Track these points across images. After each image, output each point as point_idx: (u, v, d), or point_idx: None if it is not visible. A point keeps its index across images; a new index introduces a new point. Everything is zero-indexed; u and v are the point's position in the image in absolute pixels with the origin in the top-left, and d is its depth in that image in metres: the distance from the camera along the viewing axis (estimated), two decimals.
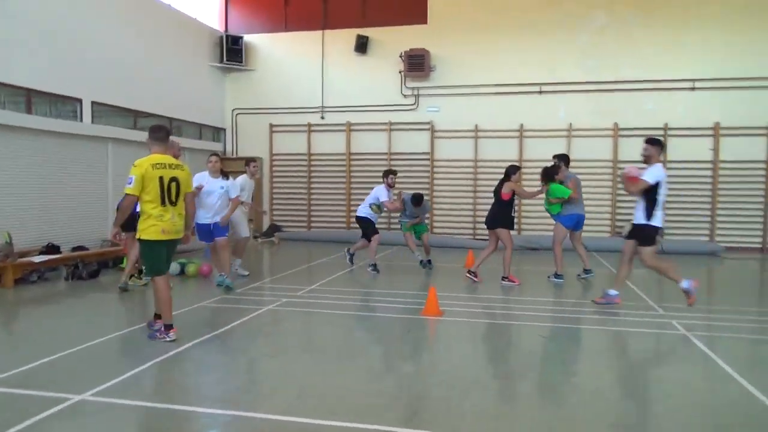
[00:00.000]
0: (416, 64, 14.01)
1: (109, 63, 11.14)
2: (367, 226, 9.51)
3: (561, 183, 8.52)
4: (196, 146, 14.09)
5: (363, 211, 9.57)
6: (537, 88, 13.77)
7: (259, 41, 15.45)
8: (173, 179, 5.17)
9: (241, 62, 15.19)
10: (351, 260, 9.97)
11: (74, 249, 9.81)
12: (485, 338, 5.81)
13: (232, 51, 15.06)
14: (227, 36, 14.98)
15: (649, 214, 6.18)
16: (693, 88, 13.08)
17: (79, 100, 10.53)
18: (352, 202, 14.40)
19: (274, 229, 15.06)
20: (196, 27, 14.46)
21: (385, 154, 14.66)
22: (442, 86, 14.28)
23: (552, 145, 13.71)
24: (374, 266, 9.46)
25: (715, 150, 12.98)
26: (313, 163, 15.18)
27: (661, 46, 13.16)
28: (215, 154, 8.22)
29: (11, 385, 4.03)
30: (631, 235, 6.46)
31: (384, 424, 3.48)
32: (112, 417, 3.58)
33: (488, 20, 13.99)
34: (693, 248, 12.48)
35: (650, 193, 6.18)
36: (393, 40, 14.41)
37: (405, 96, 14.56)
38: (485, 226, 8.80)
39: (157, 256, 5.21)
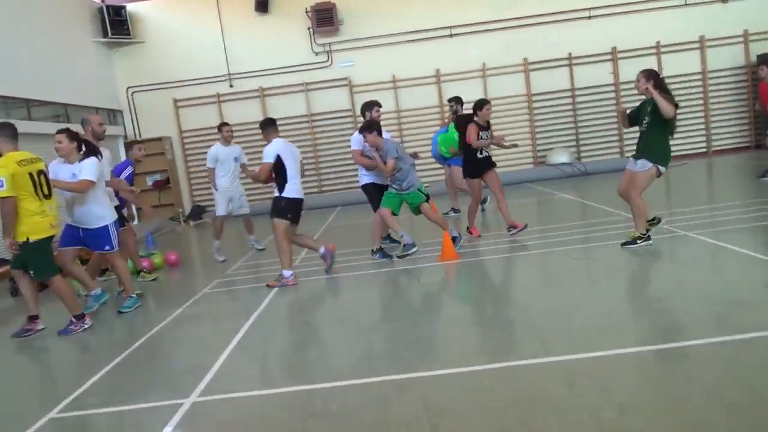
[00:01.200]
0: (324, 18, 13.50)
1: None
2: (372, 194, 6.78)
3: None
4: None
5: (363, 178, 6.87)
6: (448, 32, 13.88)
7: (144, 10, 14.04)
8: (40, 172, 4.96)
9: (129, 35, 13.75)
10: (384, 255, 6.63)
11: None
12: (531, 268, 5.87)
13: (115, 23, 13.55)
14: (107, 7, 13.43)
15: (281, 187, 5.83)
16: (590, 17, 13.86)
17: None
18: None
19: (199, 210, 14.13)
20: None
21: (305, 116, 14.16)
22: (353, 39, 13.93)
23: (468, 86, 14.05)
24: (381, 251, 6.66)
25: (615, 73, 13.98)
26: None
27: None
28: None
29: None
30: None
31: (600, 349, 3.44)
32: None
33: None
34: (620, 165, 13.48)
35: (278, 170, 5.78)
36: None
37: (317, 53, 14.05)
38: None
39: (48, 255, 5.06)
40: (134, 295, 5.73)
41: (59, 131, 5.29)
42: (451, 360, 3.55)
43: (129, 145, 8.49)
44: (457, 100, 8.89)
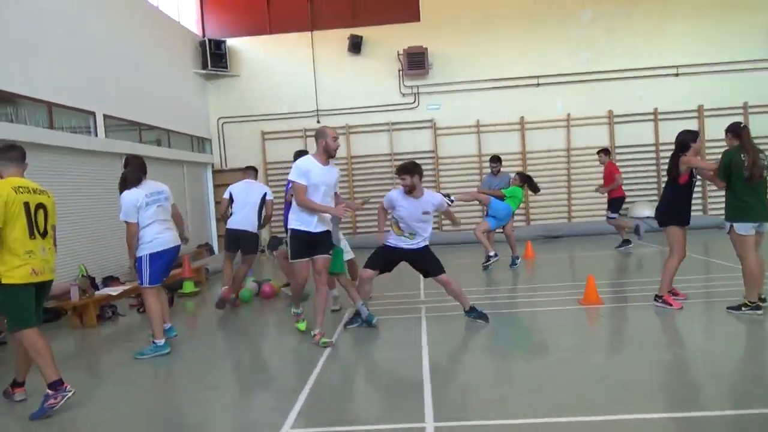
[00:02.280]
0: (416, 62, 13.89)
1: (114, 73, 10.07)
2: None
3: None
4: (190, 158, 13.14)
5: None
6: (535, 81, 14.13)
7: (241, 45, 14.64)
8: (40, 206, 4.25)
9: (226, 68, 14.31)
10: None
11: (105, 279, 8.79)
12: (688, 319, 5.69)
13: (214, 56, 14.14)
14: (209, 40, 14.05)
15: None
16: (677, 74, 13.98)
17: (93, 114, 9.43)
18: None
19: (276, 241, 14.28)
20: (179, 31, 13.45)
21: (388, 155, 14.41)
22: (440, 83, 14.26)
23: (552, 135, 14.23)
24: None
25: (701, 130, 13.97)
26: None
27: (645, 35, 13.96)
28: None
29: None
30: None
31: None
32: None
33: (481, 15, 14.14)
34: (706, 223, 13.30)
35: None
36: (387, 39, 14.20)
37: (404, 95, 14.39)
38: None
39: (24, 304, 4.13)
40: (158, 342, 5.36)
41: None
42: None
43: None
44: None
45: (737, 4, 13.79)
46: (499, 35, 14.13)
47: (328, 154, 5.19)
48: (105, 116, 9.73)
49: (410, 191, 5.63)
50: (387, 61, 14.28)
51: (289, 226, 5.28)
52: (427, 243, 5.87)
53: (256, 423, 3.71)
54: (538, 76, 14.10)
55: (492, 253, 8.93)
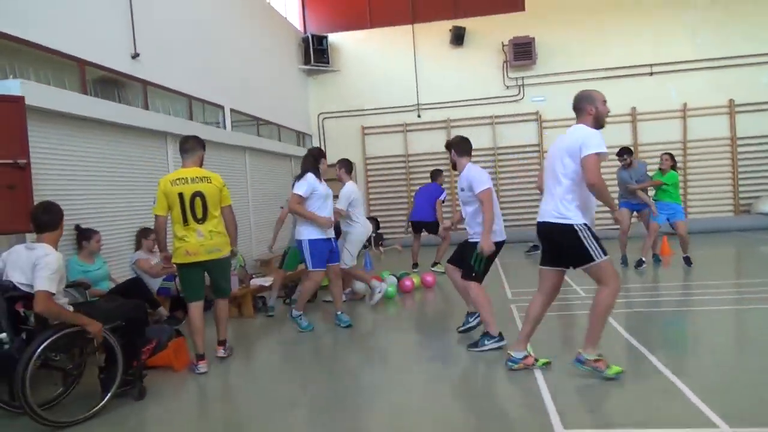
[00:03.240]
0: (522, 52, 13.50)
1: (236, 68, 10.22)
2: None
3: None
4: (297, 153, 13.23)
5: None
6: (647, 70, 13.47)
7: (341, 40, 14.66)
8: (196, 194, 4.66)
9: (328, 63, 14.35)
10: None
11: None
12: None
13: (317, 52, 14.21)
14: (312, 36, 14.13)
15: None
16: None
17: (222, 107, 9.59)
18: (457, 200, 13.73)
19: (377, 238, 14.24)
20: (287, 27, 13.59)
21: (490, 149, 14.08)
22: (545, 74, 13.81)
23: (666, 127, 13.53)
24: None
25: None
26: (411, 163, 14.46)
27: None
28: None
29: None
30: None
31: None
32: None
33: (588, 2, 13.62)
34: None
35: None
36: (490, 30, 13.88)
37: (508, 87, 14.03)
38: None
39: (187, 281, 4.80)
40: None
41: None
42: None
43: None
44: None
45: None
46: (608, 22, 13.54)
47: (598, 124, 4.00)
48: (231, 110, 9.88)
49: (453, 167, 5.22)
50: (490, 52, 13.96)
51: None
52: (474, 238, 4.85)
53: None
54: (651, 65, 13.43)
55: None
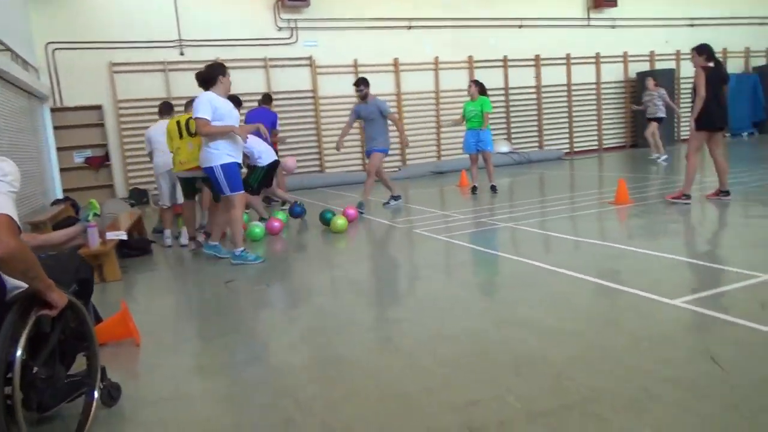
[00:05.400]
0: None
1: None
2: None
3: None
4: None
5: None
6: (407, 23, 14.40)
7: None
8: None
9: None
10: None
11: None
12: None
13: None
14: None
15: None
16: (520, 26, 15.70)
17: None
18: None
19: (139, 194, 12.16)
20: None
21: (264, 92, 13.22)
22: (318, 19, 13.56)
23: (422, 77, 14.81)
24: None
25: (537, 76, 16.04)
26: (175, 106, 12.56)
27: None
28: None
29: None
30: None
31: None
32: None
33: None
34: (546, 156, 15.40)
35: None
36: None
37: (280, 29, 13.32)
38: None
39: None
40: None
41: None
42: None
43: None
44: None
45: None
46: None
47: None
48: None
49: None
50: None
51: None
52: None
53: None
54: (410, 18, 14.40)
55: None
